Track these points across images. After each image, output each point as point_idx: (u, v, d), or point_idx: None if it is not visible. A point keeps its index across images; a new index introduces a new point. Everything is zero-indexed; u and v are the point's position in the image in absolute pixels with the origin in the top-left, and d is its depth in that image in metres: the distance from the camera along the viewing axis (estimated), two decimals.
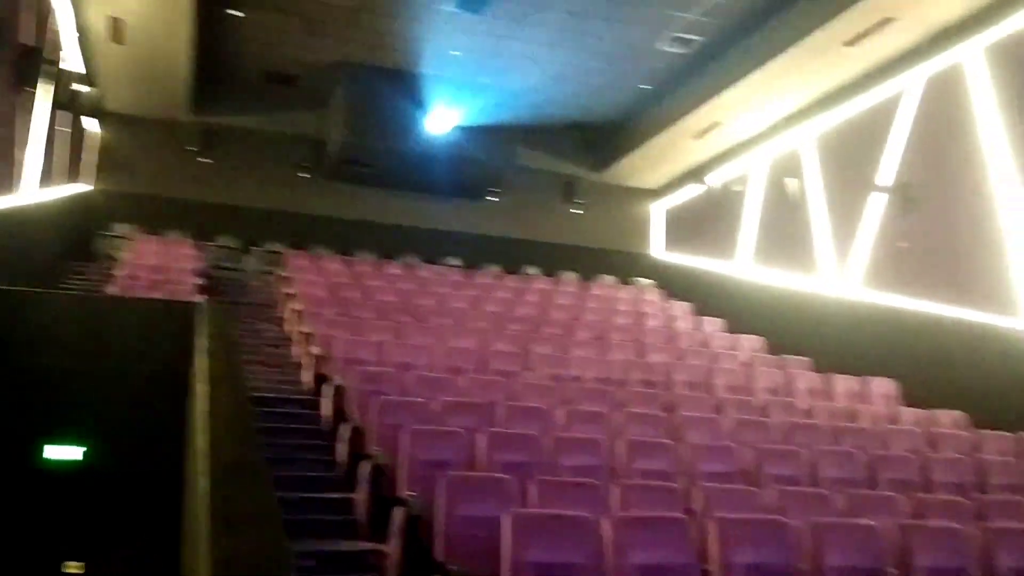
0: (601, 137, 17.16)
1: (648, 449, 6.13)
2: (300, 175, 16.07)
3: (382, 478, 5.82)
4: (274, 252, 14.94)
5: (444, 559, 4.29)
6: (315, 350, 9.18)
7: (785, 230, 14.33)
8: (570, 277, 15.92)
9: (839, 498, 5.50)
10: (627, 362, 9.80)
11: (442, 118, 14.87)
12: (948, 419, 8.97)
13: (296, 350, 10.11)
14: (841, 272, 12.84)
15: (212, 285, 12.78)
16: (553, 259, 16.77)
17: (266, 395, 8.41)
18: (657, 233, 18.44)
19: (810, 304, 13.14)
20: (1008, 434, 8.11)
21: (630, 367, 9.62)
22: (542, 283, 14.95)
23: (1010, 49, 10.31)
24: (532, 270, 16.37)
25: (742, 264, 15.28)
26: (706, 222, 16.55)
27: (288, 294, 12.08)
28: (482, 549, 4.20)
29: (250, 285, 13.92)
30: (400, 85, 14.69)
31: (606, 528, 4.14)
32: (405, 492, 5.26)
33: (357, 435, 6.64)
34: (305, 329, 10.15)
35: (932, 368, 10.35)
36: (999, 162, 10.25)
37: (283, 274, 13.16)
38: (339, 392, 7.56)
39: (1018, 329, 9.68)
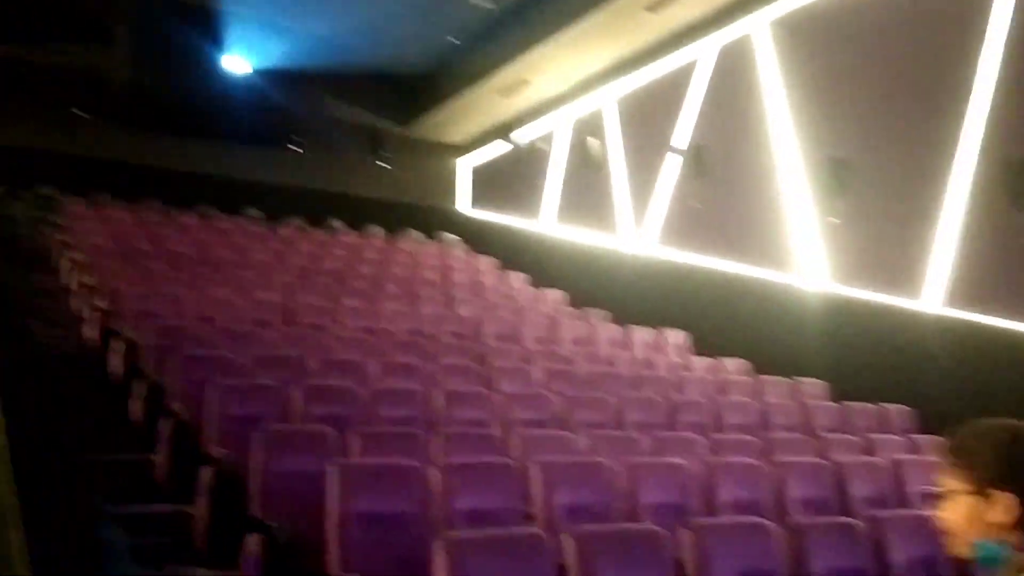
0: (409, 90, 16.88)
1: (464, 399, 6.16)
2: (78, 114, 14.62)
3: (185, 437, 5.48)
4: (47, 197, 13.56)
5: (262, 516, 4.09)
6: (100, 303, 8.47)
7: (587, 189, 14.82)
8: (377, 231, 15.64)
9: (645, 440, 5.79)
10: (437, 315, 9.80)
11: (240, 60, 14.02)
12: (734, 366, 9.69)
13: (76, 303, 9.27)
14: (638, 230, 13.48)
15: None
16: (359, 212, 16.37)
17: (44, 351, 7.67)
18: (464, 189, 18.50)
19: (609, 260, 13.73)
20: (785, 379, 8.88)
21: (440, 320, 9.63)
22: (348, 236, 14.60)
23: (792, 22, 11.12)
24: (337, 223, 15.92)
25: (546, 221, 15.66)
26: (512, 180, 16.79)
27: (65, 243, 11.03)
28: (302, 504, 4.05)
29: (19, 233, 12.59)
30: (193, 20, 13.67)
31: (433, 476, 4.10)
32: (214, 450, 4.97)
33: (154, 392, 6.20)
34: (87, 281, 9.33)
35: (719, 320, 11.14)
36: (780, 129, 11.09)
37: (59, 221, 11.99)
38: (132, 347, 7.02)
39: (793, 284, 10.60)
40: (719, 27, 11.81)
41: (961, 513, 1.40)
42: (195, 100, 14.16)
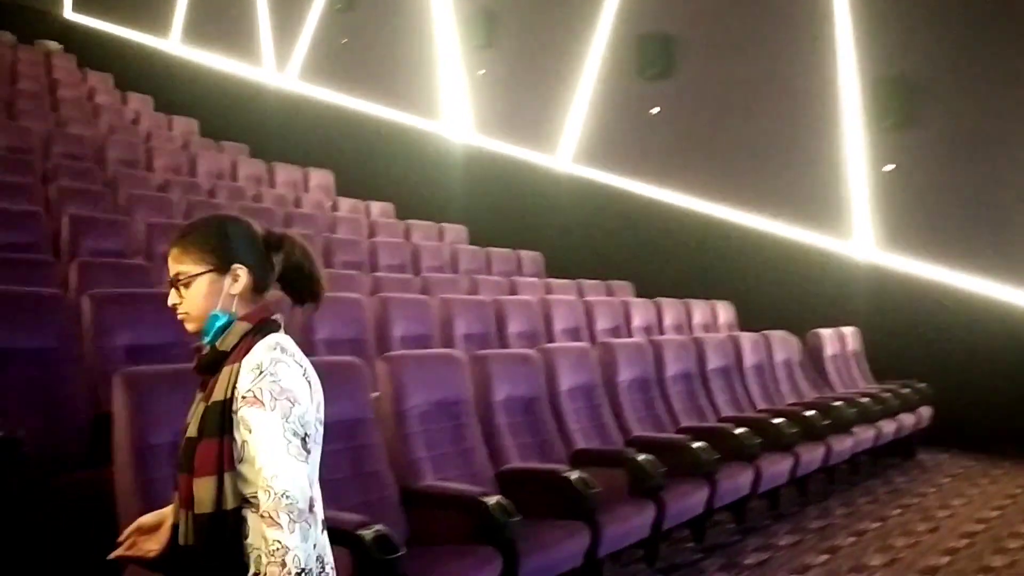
0: None
1: (96, 225, 5.40)
2: None
3: None
4: None
5: None
6: None
7: (225, 12, 13.46)
8: None
9: None
10: (47, 132, 8.37)
11: None
12: (380, 209, 9.71)
13: None
14: (281, 65, 12.65)
15: None
16: None
17: None
18: None
19: (248, 91, 12.78)
20: (430, 222, 9.12)
21: (51, 138, 8.26)
22: None
23: None
24: None
25: (173, 40, 14.03)
26: None
27: None
28: None
29: None
30: None
31: (85, 306, 3.54)
32: None
33: None
34: None
35: (364, 162, 11.03)
36: None
37: None
38: None
39: (439, 132, 10.79)
40: None
41: (201, 292, 1.64)
42: None
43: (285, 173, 10.13)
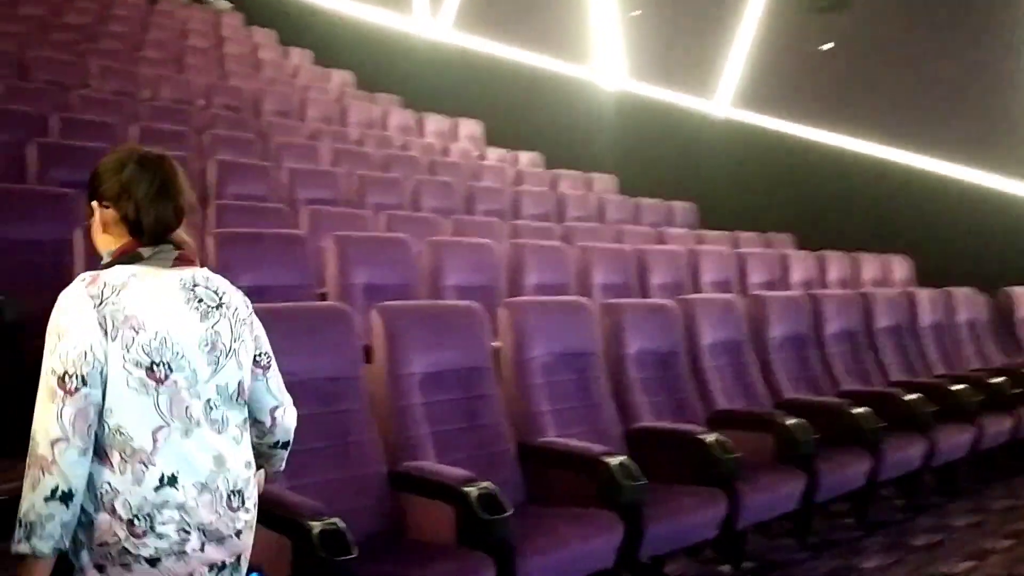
0: None
1: (242, 171, 5.43)
2: None
3: None
4: None
5: None
6: None
7: None
8: None
9: (446, 223, 5.43)
10: (209, 85, 8.66)
11: None
12: (527, 159, 9.48)
13: None
14: (434, 13, 12.58)
15: None
16: None
17: None
18: None
19: (402, 43, 12.82)
20: (577, 172, 8.80)
21: (212, 90, 8.53)
22: None
23: None
24: None
25: None
26: None
27: None
28: (40, 278, 3.35)
29: None
30: None
31: (209, 245, 3.51)
32: None
33: None
34: None
35: (514, 111, 10.80)
36: None
37: None
38: None
39: (587, 77, 10.39)
40: None
41: (96, 228, 1.62)
42: None
43: (435, 123, 10.08)
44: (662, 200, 8.35)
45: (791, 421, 3.47)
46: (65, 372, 1.44)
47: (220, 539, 1.49)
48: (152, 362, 1.47)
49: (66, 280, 1.60)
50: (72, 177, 4.59)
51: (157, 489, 1.44)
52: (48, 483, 1.40)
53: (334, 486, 2.35)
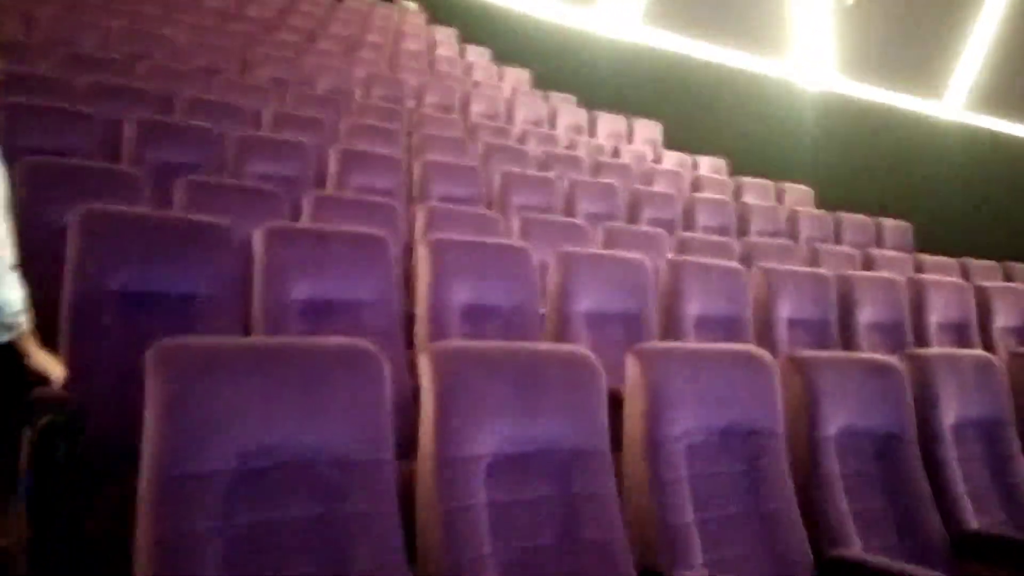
0: None
1: (369, 161, 4.72)
2: None
3: None
4: None
5: None
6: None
7: None
8: None
9: (597, 232, 4.48)
10: (371, 76, 8.16)
11: None
12: (708, 164, 8.35)
13: None
14: (619, 7, 11.63)
15: None
16: None
17: None
18: None
19: (582, 39, 11.99)
20: (766, 181, 7.57)
21: (374, 81, 8.02)
22: None
23: None
24: None
25: None
26: None
27: None
28: None
29: None
30: None
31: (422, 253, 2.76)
32: None
33: None
34: None
35: (697, 112, 9.68)
36: None
37: None
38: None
39: (785, 75, 9.08)
40: None
41: None
42: None
43: (608, 123, 9.16)
44: (869, 217, 6.98)
45: None
46: None
47: None
48: None
49: None
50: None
51: None
52: None
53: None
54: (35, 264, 2.66)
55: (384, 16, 12.59)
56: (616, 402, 2.11)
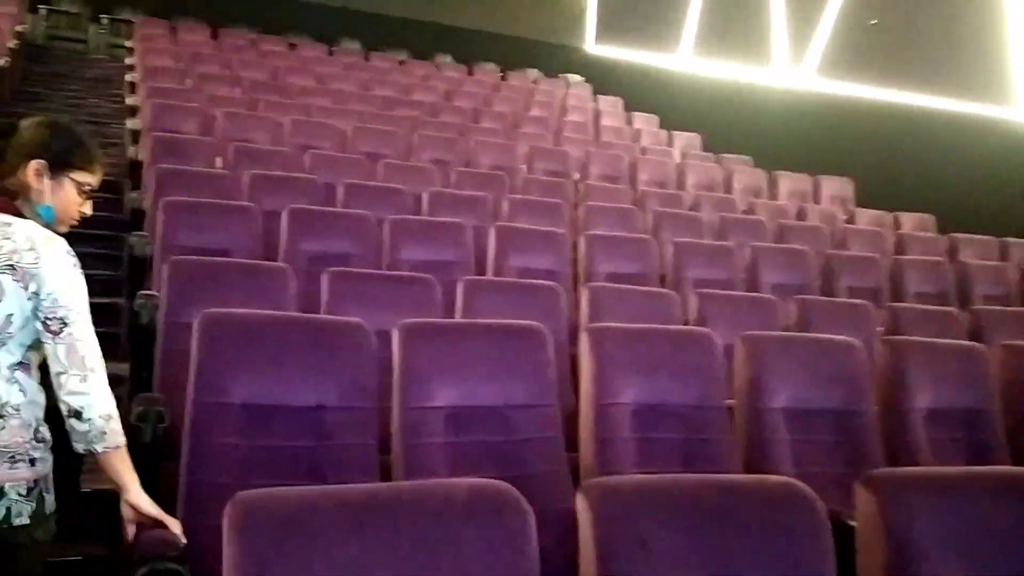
0: None
1: (531, 239, 4.39)
2: None
3: None
4: (127, 22, 12.37)
5: None
6: (131, 123, 7.16)
7: (734, 15, 12.30)
8: (489, 68, 13.73)
9: (788, 306, 3.90)
10: (535, 150, 7.97)
11: None
12: (912, 221, 7.48)
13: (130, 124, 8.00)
14: (796, 60, 10.97)
15: (35, 55, 10.42)
16: (470, 47, 14.46)
17: None
18: (590, 23, 16.13)
19: (755, 96, 11.39)
20: (988, 237, 6.63)
21: (537, 156, 7.81)
22: (452, 71, 12.76)
23: None
24: (444, 58, 14.09)
25: (682, 55, 13.27)
26: (646, 8, 14.33)
27: (128, 65, 9.83)
28: None
29: (92, 59, 11.55)
30: None
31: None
32: None
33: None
34: (132, 101, 8.04)
35: (894, 166, 8.81)
36: None
37: (128, 44, 10.78)
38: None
39: (1004, 117, 8.07)
40: None
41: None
42: None
43: (790, 183, 8.49)
44: None
45: None
46: None
47: None
48: None
49: None
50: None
51: None
52: None
53: None
54: (175, 372, 2.50)
55: (547, 91, 12.56)
56: (841, 535, 1.58)
